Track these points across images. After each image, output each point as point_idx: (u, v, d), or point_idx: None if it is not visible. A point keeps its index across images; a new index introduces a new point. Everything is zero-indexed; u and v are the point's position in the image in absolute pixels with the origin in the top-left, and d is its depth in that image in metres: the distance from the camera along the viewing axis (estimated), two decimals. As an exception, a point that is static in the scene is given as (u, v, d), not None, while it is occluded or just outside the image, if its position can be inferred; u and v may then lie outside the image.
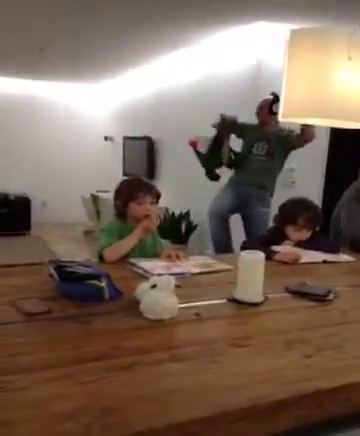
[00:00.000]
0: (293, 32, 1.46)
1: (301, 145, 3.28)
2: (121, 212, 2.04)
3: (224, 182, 3.58)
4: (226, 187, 3.55)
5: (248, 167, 3.42)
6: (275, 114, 3.23)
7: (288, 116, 1.50)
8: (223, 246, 3.46)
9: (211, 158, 3.46)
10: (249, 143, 3.41)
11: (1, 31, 4.12)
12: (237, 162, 3.46)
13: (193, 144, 3.55)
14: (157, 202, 2.07)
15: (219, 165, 3.46)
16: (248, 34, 3.82)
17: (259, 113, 3.38)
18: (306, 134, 3.17)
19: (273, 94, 3.25)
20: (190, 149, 3.59)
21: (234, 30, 3.78)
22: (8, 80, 6.77)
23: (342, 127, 1.60)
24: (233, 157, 3.44)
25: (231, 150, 3.45)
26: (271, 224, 2.36)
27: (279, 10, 3.22)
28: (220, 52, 4.33)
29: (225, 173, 3.59)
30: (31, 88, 7.01)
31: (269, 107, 3.25)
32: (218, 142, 3.40)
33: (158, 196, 2.07)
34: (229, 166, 3.49)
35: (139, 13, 3.44)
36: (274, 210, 2.31)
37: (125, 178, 2.19)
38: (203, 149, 3.52)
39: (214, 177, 3.55)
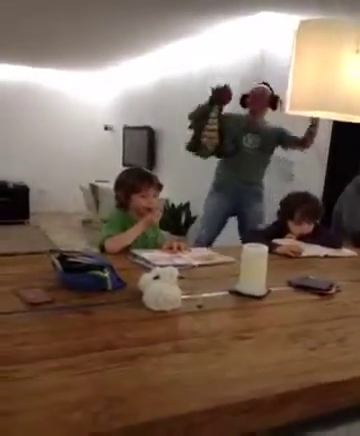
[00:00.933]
0: (302, 23, 1.44)
1: (296, 149, 3.22)
2: (123, 203, 2.03)
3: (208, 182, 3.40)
4: (215, 193, 3.29)
5: (239, 161, 3.20)
6: (274, 109, 3.18)
7: (295, 108, 1.49)
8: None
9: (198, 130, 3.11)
10: (238, 134, 3.15)
11: (3, 18, 4.06)
12: (223, 151, 3.16)
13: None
14: (159, 190, 2.06)
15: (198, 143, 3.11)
16: (252, 24, 3.78)
17: (253, 101, 3.16)
18: (309, 141, 3.10)
19: (268, 86, 3.15)
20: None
21: (239, 20, 3.73)
22: (8, 67, 6.71)
23: (349, 121, 1.59)
24: (216, 141, 3.08)
25: (219, 130, 3.08)
26: (268, 219, 2.36)
27: (285, 0, 3.18)
28: (223, 42, 4.29)
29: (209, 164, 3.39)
30: (31, 76, 6.94)
31: (272, 102, 3.13)
32: (201, 121, 3.08)
33: (160, 187, 2.05)
34: (212, 152, 3.16)
35: (143, 1, 3.39)
36: (274, 204, 2.30)
37: (126, 169, 2.16)
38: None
39: (204, 152, 3.16)
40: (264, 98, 3.15)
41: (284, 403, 0.88)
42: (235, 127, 3.13)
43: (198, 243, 3.19)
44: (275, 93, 3.15)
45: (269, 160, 3.30)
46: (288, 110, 1.49)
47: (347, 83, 1.44)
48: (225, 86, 3.07)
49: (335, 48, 1.43)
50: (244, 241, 1.98)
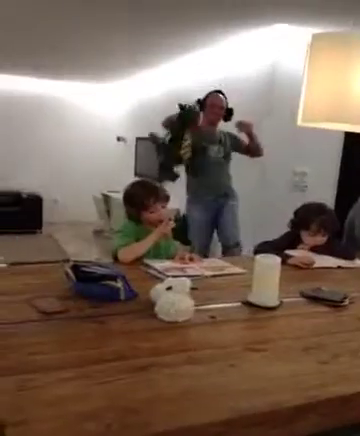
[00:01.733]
0: (315, 36, 1.45)
1: (246, 155, 3.31)
2: (133, 217, 2.06)
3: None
4: (193, 206, 3.38)
5: (207, 170, 3.23)
6: (226, 121, 3.25)
7: (308, 121, 1.50)
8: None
9: (171, 152, 3.20)
10: (201, 146, 3.18)
11: (14, 31, 4.15)
12: (195, 163, 3.22)
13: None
14: (167, 203, 2.09)
15: (178, 161, 3.20)
16: (265, 36, 3.81)
17: (213, 111, 3.19)
18: (252, 151, 3.21)
19: (223, 95, 3.20)
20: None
21: (251, 32, 3.77)
22: (22, 79, 6.82)
23: (363, 132, 1.60)
24: (189, 155, 3.14)
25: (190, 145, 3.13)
26: (272, 231, 2.35)
27: (297, 13, 3.20)
28: (236, 54, 4.33)
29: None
30: (45, 88, 7.05)
31: (227, 114, 3.20)
32: (177, 134, 3.15)
33: (167, 198, 2.09)
34: (187, 166, 3.24)
35: (155, 14, 3.45)
36: (286, 215, 2.29)
37: (132, 182, 2.16)
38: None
39: (172, 176, 3.30)
40: (223, 110, 3.23)
41: (297, 416, 0.87)
42: (200, 140, 3.18)
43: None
44: (229, 105, 3.26)
45: (230, 164, 3.38)
46: (300, 122, 1.49)
47: (360, 95, 1.44)
48: (195, 111, 3.14)
49: (348, 61, 1.43)
50: (257, 252, 1.98)
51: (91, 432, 0.74)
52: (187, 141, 3.11)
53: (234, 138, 3.30)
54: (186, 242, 4.76)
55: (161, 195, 2.04)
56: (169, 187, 5.51)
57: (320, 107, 1.43)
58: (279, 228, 2.44)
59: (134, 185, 2.13)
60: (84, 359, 1.01)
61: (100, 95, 7.46)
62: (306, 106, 1.46)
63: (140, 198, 2.02)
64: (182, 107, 3.14)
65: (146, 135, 6.37)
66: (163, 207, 2.05)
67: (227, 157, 3.31)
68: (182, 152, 3.13)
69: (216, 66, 4.72)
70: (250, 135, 3.17)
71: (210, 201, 3.34)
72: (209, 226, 3.39)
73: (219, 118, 3.25)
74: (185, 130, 3.11)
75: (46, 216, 6.78)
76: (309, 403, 0.88)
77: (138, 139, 6.69)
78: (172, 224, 2.06)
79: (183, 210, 5.13)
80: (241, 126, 3.12)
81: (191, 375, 0.97)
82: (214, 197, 3.34)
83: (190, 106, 3.13)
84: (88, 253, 5.05)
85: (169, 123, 3.21)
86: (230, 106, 3.28)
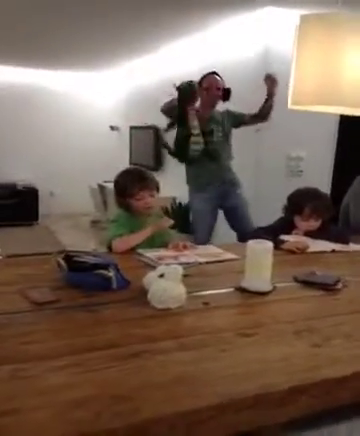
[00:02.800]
0: (303, 18, 1.43)
1: (253, 123, 3.18)
2: (123, 205, 2.06)
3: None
4: (197, 194, 3.24)
5: (211, 154, 3.13)
6: (225, 101, 3.16)
7: (298, 104, 1.48)
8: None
9: (182, 134, 3.05)
10: (206, 129, 3.09)
11: (5, 20, 4.09)
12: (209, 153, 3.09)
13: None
14: (158, 191, 2.07)
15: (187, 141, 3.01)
16: (256, 20, 3.76)
17: (211, 93, 3.10)
18: (267, 113, 3.05)
19: (219, 76, 3.13)
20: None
21: (242, 16, 3.72)
22: (13, 69, 6.74)
23: (353, 114, 1.58)
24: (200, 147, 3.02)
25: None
26: (267, 216, 2.35)
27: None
28: (228, 39, 4.28)
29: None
30: (37, 77, 6.98)
31: (226, 94, 3.11)
32: (182, 115, 3.02)
33: (156, 186, 2.07)
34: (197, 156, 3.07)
35: (146, 1, 3.39)
36: (282, 201, 2.29)
37: (122, 170, 2.15)
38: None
39: (190, 158, 3.09)
40: (219, 90, 3.14)
41: (288, 399, 0.87)
42: (202, 125, 3.08)
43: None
44: (226, 85, 3.16)
45: (231, 146, 3.26)
46: (290, 105, 1.48)
47: (350, 76, 1.42)
48: (192, 85, 3.01)
49: (337, 42, 1.41)
50: (250, 237, 1.97)
51: (81, 420, 0.75)
52: (197, 137, 3.00)
53: (233, 114, 3.19)
54: (183, 230, 4.77)
55: (148, 183, 2.02)
56: (164, 176, 5.50)
57: (309, 90, 1.41)
58: (274, 213, 2.44)
59: (122, 173, 2.12)
60: (76, 348, 1.01)
61: (92, 84, 7.39)
62: (295, 89, 1.44)
63: (125, 185, 2.02)
64: (178, 87, 3.04)
65: (139, 124, 6.36)
66: (151, 196, 2.02)
67: (227, 137, 3.20)
68: (192, 148, 3.02)
69: (208, 51, 4.67)
70: (271, 92, 3.01)
71: (214, 189, 3.19)
72: (213, 216, 3.27)
73: (217, 99, 3.17)
74: (187, 112, 2.99)
75: (42, 208, 6.77)
76: (300, 385, 0.89)
77: (132, 128, 6.65)
78: (171, 222, 2.06)
79: (180, 198, 5.14)
80: (269, 79, 2.96)
81: (183, 361, 0.97)
82: (218, 184, 3.19)
83: (185, 83, 3.03)
84: (85, 244, 5.04)
85: (169, 108, 3.13)
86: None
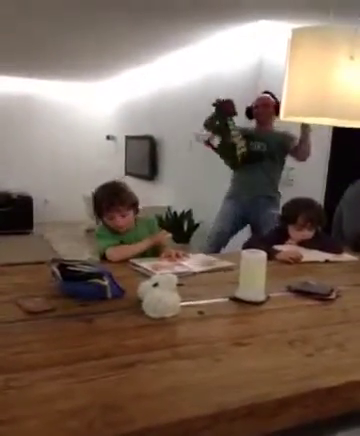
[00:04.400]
0: (295, 31, 1.46)
1: (295, 157, 3.26)
2: (100, 220, 2.05)
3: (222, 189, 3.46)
4: (227, 200, 3.37)
5: (246, 169, 3.24)
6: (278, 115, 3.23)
7: (290, 115, 1.50)
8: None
9: (225, 146, 3.19)
10: (247, 141, 3.19)
11: (1, 30, 4.12)
12: (249, 157, 3.20)
13: (208, 144, 3.31)
14: (133, 209, 2.00)
15: (233, 150, 3.16)
16: (250, 33, 3.81)
17: (258, 112, 3.22)
18: (301, 152, 3.16)
19: (271, 94, 3.20)
20: (198, 148, 3.51)
21: (236, 29, 3.77)
22: (10, 79, 6.78)
23: (345, 126, 1.61)
24: (244, 150, 3.17)
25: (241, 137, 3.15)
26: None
27: (281, 8, 3.21)
28: (222, 51, 4.33)
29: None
30: (33, 87, 7.01)
31: (277, 110, 3.16)
32: (222, 127, 3.15)
33: (131, 204, 1.98)
34: (243, 159, 3.19)
35: (140, 13, 3.44)
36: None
37: (100, 185, 2.08)
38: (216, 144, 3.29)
39: (238, 163, 3.23)
40: (269, 107, 3.19)
41: (281, 409, 0.88)
42: (245, 137, 3.18)
43: (209, 239, 3.31)
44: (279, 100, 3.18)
45: (279, 167, 3.32)
46: (282, 117, 1.50)
47: (342, 89, 1.45)
48: (227, 100, 3.13)
49: (329, 54, 1.44)
50: (245, 247, 1.99)
51: (75, 430, 0.75)
52: (238, 137, 3.11)
53: (285, 136, 3.22)
54: (178, 240, 4.78)
55: (116, 202, 1.93)
56: (159, 185, 5.50)
57: (301, 102, 1.44)
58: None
59: (99, 187, 2.06)
60: (70, 357, 1.01)
61: (88, 94, 7.43)
62: (288, 101, 1.47)
63: (97, 202, 1.99)
64: (214, 104, 3.16)
65: (135, 133, 6.39)
66: (122, 216, 1.95)
67: (270, 156, 3.22)
68: (239, 153, 3.14)
69: (203, 63, 4.72)
70: (305, 136, 3.11)
71: (245, 200, 3.27)
72: (236, 219, 3.31)
73: (266, 116, 3.22)
74: (226, 120, 3.11)
75: (37, 216, 6.76)
76: (293, 396, 0.89)
77: (128, 138, 6.68)
78: (168, 236, 2.06)
79: (174, 208, 5.16)
80: (306, 127, 3.06)
81: (177, 371, 0.97)
82: (250, 197, 3.26)
83: (220, 99, 3.16)
84: (80, 252, 5.03)
85: (209, 122, 3.21)
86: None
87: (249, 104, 3.31)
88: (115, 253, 1.89)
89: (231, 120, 3.13)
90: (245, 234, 3.38)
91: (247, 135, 3.21)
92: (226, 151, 3.22)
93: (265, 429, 0.88)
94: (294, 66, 1.46)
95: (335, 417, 0.94)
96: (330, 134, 3.97)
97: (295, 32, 1.44)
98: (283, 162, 3.35)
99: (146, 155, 5.99)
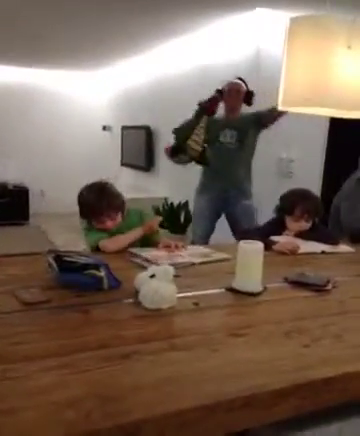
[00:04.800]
0: (292, 20, 1.44)
1: (272, 120, 3.06)
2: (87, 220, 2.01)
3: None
4: (200, 195, 3.26)
5: (218, 158, 3.12)
6: (249, 105, 3.13)
7: (287, 105, 1.49)
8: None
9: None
10: (214, 133, 3.10)
11: (-2, 18, 4.07)
12: (205, 157, 3.08)
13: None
14: (121, 210, 1.98)
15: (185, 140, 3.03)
16: (248, 21, 3.77)
17: (229, 98, 3.09)
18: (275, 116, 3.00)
19: (243, 81, 3.13)
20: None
21: (233, 17, 3.73)
22: (5, 68, 6.71)
23: (342, 117, 1.59)
24: (199, 148, 3.02)
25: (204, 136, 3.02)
26: (264, 216, 2.36)
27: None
28: (219, 40, 4.29)
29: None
30: (29, 77, 6.94)
31: (248, 98, 3.09)
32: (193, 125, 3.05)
33: (118, 207, 1.96)
34: (197, 158, 3.08)
35: (137, 2, 3.39)
36: (272, 202, 2.30)
37: (84, 187, 2.04)
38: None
39: (203, 159, 3.09)
40: (240, 94, 3.11)
41: (278, 400, 0.88)
42: (213, 125, 3.08)
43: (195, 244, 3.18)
44: (250, 89, 3.13)
45: (250, 155, 3.22)
46: (280, 107, 1.49)
47: (339, 79, 1.43)
48: (215, 98, 3.04)
49: (326, 44, 1.42)
50: (240, 238, 1.98)
51: (71, 420, 0.75)
52: (199, 136, 3.00)
53: (255, 114, 3.10)
54: (175, 231, 4.78)
55: (102, 213, 1.91)
56: (156, 176, 5.48)
57: (299, 91, 1.42)
58: (265, 214, 2.45)
59: (85, 188, 2.02)
60: (67, 348, 1.01)
61: (84, 84, 7.36)
62: (285, 90, 1.45)
63: (84, 205, 1.95)
64: (199, 103, 3.08)
65: (131, 124, 6.35)
66: (112, 219, 1.93)
67: (243, 143, 3.12)
68: (189, 144, 3.02)
69: (200, 52, 4.68)
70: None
71: (217, 192, 3.18)
72: (213, 215, 3.25)
73: (237, 102, 3.12)
74: (200, 120, 3.02)
75: (33, 207, 6.73)
76: (289, 387, 0.89)
77: (124, 128, 6.64)
78: (159, 219, 2.06)
79: (171, 199, 5.15)
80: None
81: (173, 361, 0.97)
82: (222, 188, 3.17)
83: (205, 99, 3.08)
84: (76, 243, 5.02)
85: (183, 125, 3.14)
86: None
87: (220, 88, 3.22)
88: (109, 244, 1.88)
89: (205, 120, 3.02)
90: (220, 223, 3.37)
91: (218, 125, 3.10)
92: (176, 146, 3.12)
93: (262, 420, 0.88)
94: (291, 55, 1.44)
95: (331, 407, 0.94)
96: (327, 126, 3.96)
97: (292, 21, 1.42)
98: (254, 147, 3.22)
99: (143, 145, 5.96)
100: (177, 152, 3.14)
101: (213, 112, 3.07)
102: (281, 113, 2.88)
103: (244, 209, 3.19)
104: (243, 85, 3.13)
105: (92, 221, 1.97)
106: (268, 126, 3.12)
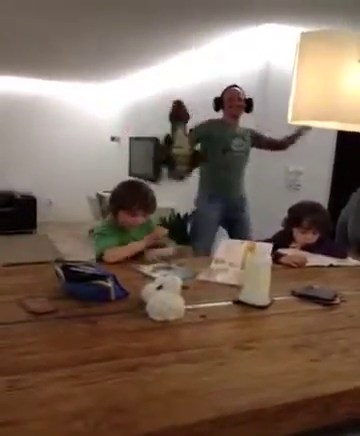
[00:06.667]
0: (303, 35, 1.46)
1: (271, 150, 3.21)
2: (112, 213, 2.05)
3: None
4: (208, 204, 3.19)
5: (228, 167, 3.14)
6: (248, 112, 3.17)
7: (297, 119, 1.50)
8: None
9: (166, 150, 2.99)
10: (227, 140, 3.10)
11: (8, 31, 4.14)
12: (216, 157, 3.10)
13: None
14: (150, 211, 2.03)
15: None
16: (257, 36, 3.82)
17: (232, 105, 3.10)
18: (287, 146, 3.14)
19: (238, 87, 3.17)
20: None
21: (243, 32, 3.78)
22: (16, 79, 6.81)
23: (353, 130, 1.60)
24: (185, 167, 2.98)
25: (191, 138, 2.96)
26: (265, 230, 2.36)
27: (288, 12, 3.21)
28: (229, 54, 4.33)
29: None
30: (39, 88, 7.04)
31: (247, 105, 3.13)
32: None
33: (152, 207, 2.03)
34: (203, 159, 3.06)
35: (147, 15, 3.44)
36: (279, 213, 2.30)
37: (123, 181, 2.12)
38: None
39: (198, 157, 3.05)
40: (241, 101, 3.14)
41: (286, 414, 0.87)
42: (223, 133, 3.10)
43: (197, 251, 3.18)
44: (247, 96, 3.17)
45: (248, 161, 3.27)
46: (290, 121, 1.49)
47: (349, 93, 1.44)
48: (176, 102, 3.03)
49: (336, 58, 1.44)
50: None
51: (79, 432, 0.74)
52: (180, 149, 2.91)
53: (255, 135, 3.20)
54: (181, 241, 4.77)
55: (148, 206, 2.00)
56: (163, 186, 5.50)
57: (308, 105, 1.43)
58: (272, 227, 2.44)
59: (123, 184, 2.09)
60: (74, 359, 1.01)
61: (94, 95, 7.45)
62: (295, 104, 1.46)
63: (125, 198, 1.99)
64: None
65: (140, 135, 6.40)
66: (143, 216, 2.00)
67: (246, 152, 3.18)
68: (177, 167, 2.97)
69: (209, 66, 4.73)
70: (300, 134, 3.12)
71: (223, 200, 3.17)
72: (217, 225, 3.25)
73: (240, 110, 3.15)
74: (176, 128, 2.93)
75: (40, 216, 6.77)
76: (297, 401, 0.88)
77: (132, 139, 6.69)
78: (165, 231, 2.06)
79: (177, 209, 5.15)
80: (304, 129, 3.06)
81: (180, 374, 0.97)
82: (228, 196, 3.19)
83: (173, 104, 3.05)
84: (83, 253, 5.03)
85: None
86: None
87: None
88: (112, 255, 1.87)
89: (183, 127, 2.94)
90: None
91: (228, 132, 3.11)
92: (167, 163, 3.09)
93: (269, 434, 0.87)
94: (302, 70, 1.45)
95: (341, 423, 0.93)
96: (335, 139, 3.97)
97: (303, 36, 1.44)
98: (248, 158, 3.27)
99: (150, 156, 5.99)
100: (168, 166, 3.12)
101: (180, 117, 2.98)
102: (283, 149, 3.06)
103: (246, 218, 3.26)
104: (241, 92, 3.17)
105: (121, 214, 1.97)
106: (260, 149, 3.21)
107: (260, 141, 3.23)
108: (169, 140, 2.96)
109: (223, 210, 3.20)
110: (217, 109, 3.21)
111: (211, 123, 3.13)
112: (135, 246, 1.94)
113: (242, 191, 3.27)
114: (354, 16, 2.99)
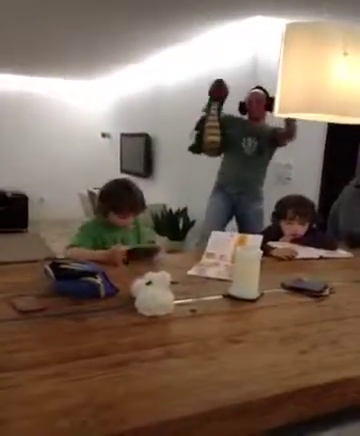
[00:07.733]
0: (288, 26, 1.45)
1: (283, 142, 3.19)
2: (102, 212, 2.03)
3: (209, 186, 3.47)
4: (215, 194, 3.38)
5: (235, 163, 3.27)
6: (271, 111, 3.21)
7: (284, 111, 1.50)
8: None
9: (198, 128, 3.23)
10: (237, 137, 3.22)
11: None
12: (228, 155, 3.29)
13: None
14: (140, 211, 2.04)
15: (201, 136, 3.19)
16: (245, 29, 3.80)
17: (252, 108, 3.22)
18: (288, 129, 3.06)
19: (262, 89, 3.21)
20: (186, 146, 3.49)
21: (231, 25, 3.76)
22: (4, 76, 6.74)
23: (338, 122, 1.60)
24: (217, 138, 3.15)
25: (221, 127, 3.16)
26: (267, 222, 2.38)
27: (275, 4, 3.20)
28: (217, 48, 4.32)
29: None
30: (28, 85, 6.98)
31: (267, 104, 3.14)
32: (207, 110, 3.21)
33: (143, 209, 2.04)
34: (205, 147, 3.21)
35: (135, 10, 3.42)
36: (270, 207, 2.31)
37: (113, 180, 2.08)
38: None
39: (207, 147, 3.23)
40: (261, 103, 3.20)
41: (275, 406, 0.88)
42: (236, 131, 3.21)
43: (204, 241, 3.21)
44: (270, 95, 3.17)
45: (267, 162, 3.33)
46: (277, 113, 1.49)
47: (335, 85, 1.44)
48: (217, 81, 3.16)
49: (322, 50, 1.43)
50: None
51: (66, 430, 0.74)
52: (213, 122, 3.11)
53: (273, 132, 3.20)
54: (173, 238, 4.77)
55: (138, 206, 2.00)
56: (154, 183, 5.50)
57: (295, 97, 1.43)
58: (263, 220, 2.46)
59: (114, 185, 2.05)
60: (62, 356, 1.00)
61: (83, 92, 7.40)
62: (282, 97, 1.46)
63: (115, 200, 1.96)
64: (209, 92, 3.22)
65: (130, 131, 6.37)
66: (134, 216, 2.00)
67: (262, 153, 3.23)
68: (208, 139, 3.14)
69: (198, 60, 4.71)
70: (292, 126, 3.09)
71: (231, 193, 3.29)
72: (225, 215, 3.34)
73: (258, 112, 3.22)
74: (210, 106, 3.15)
75: (32, 215, 6.73)
76: (287, 393, 0.89)
77: (122, 135, 6.66)
78: (123, 251, 1.82)
79: (170, 205, 5.15)
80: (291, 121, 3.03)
81: (170, 369, 0.97)
82: (236, 191, 3.28)
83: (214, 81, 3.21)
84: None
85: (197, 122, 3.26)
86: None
87: (243, 100, 3.29)
88: (73, 255, 1.81)
89: (216, 106, 3.15)
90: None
91: (241, 131, 3.21)
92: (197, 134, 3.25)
93: (259, 427, 0.87)
94: (288, 62, 1.45)
95: (329, 413, 0.94)
96: (325, 132, 3.97)
97: (288, 27, 1.43)
98: (271, 157, 3.33)
99: (141, 152, 5.97)
100: (197, 149, 3.28)
101: (220, 96, 3.17)
102: (289, 132, 3.02)
103: (255, 213, 3.28)
104: (262, 93, 3.22)
105: (112, 215, 1.97)
106: (281, 145, 3.24)
107: (276, 137, 3.20)
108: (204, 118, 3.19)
109: (229, 201, 3.31)
110: (242, 112, 3.32)
111: (230, 119, 3.24)
112: (97, 255, 1.79)
113: (252, 189, 3.31)
114: (340, 8, 2.98)
